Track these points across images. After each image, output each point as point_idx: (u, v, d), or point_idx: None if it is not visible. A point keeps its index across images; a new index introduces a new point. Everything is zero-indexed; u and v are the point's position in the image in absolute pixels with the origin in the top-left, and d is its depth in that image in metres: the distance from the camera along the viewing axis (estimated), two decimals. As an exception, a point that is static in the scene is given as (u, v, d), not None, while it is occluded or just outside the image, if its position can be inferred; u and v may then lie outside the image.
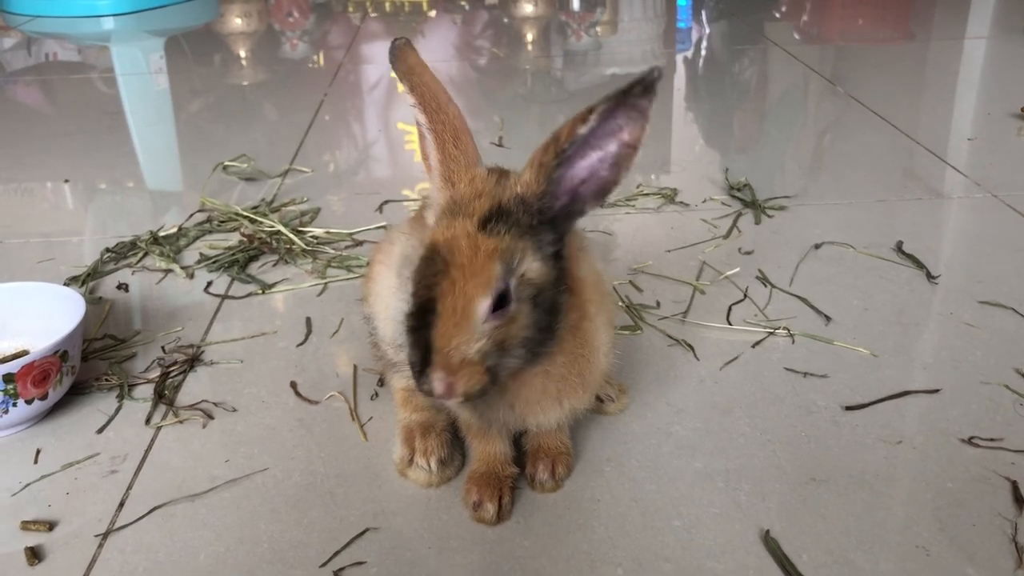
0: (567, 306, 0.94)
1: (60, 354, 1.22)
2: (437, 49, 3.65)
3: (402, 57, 1.03)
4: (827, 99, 2.78)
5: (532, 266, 0.89)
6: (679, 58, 3.45)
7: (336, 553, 1.04)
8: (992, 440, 1.19)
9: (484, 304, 0.86)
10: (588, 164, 0.90)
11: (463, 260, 0.87)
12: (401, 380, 1.21)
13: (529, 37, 3.90)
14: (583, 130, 0.87)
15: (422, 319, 0.87)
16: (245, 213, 1.82)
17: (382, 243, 1.21)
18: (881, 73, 3.03)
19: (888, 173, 2.11)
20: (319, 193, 2.05)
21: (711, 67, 3.33)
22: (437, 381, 0.86)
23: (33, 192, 2.17)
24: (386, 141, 2.56)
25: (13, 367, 1.17)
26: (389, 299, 1.12)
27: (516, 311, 0.88)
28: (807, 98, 2.86)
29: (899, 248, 1.70)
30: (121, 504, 1.12)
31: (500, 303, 0.87)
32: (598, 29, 3.93)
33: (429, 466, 1.14)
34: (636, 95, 0.86)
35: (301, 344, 1.45)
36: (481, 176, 0.94)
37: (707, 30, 3.86)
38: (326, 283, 1.61)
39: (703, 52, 3.55)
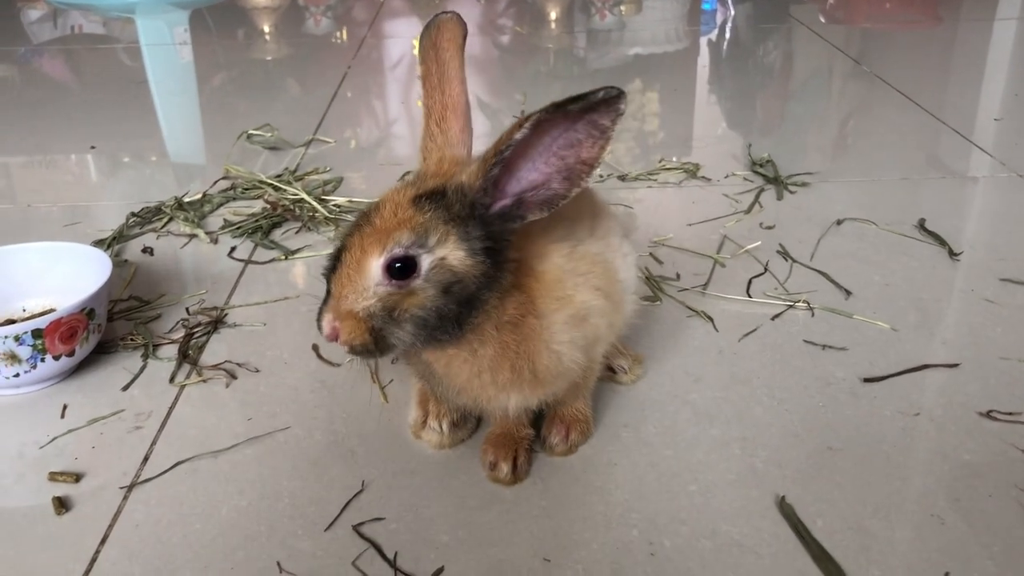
0: (503, 302, 0.95)
1: (87, 312, 1.24)
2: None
3: (436, 30, 1.04)
4: (852, 80, 2.76)
5: (455, 254, 0.90)
6: (703, 39, 3.43)
7: (345, 506, 1.05)
8: (1010, 414, 1.19)
9: (376, 263, 0.89)
10: (539, 172, 0.91)
11: (377, 220, 0.91)
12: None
13: (552, 15, 3.89)
14: (517, 136, 0.87)
15: (332, 265, 0.92)
16: (269, 181, 1.84)
17: None
18: (908, 55, 3.01)
19: (912, 152, 2.10)
20: (341, 163, 2.06)
21: (735, 48, 3.31)
22: (325, 323, 0.92)
23: (59, 160, 2.20)
24: (407, 115, 2.57)
25: (41, 323, 1.19)
26: None
27: (420, 288, 0.90)
28: (832, 79, 2.84)
29: (921, 225, 1.69)
30: (146, 458, 1.14)
31: (401, 272, 0.89)
32: (622, 8, 3.91)
33: (441, 428, 1.16)
34: (599, 112, 0.87)
35: (323, 309, 1.46)
36: (449, 159, 0.98)
37: (732, 11, 3.84)
38: (348, 250, 1.63)
39: (727, 33, 3.53)
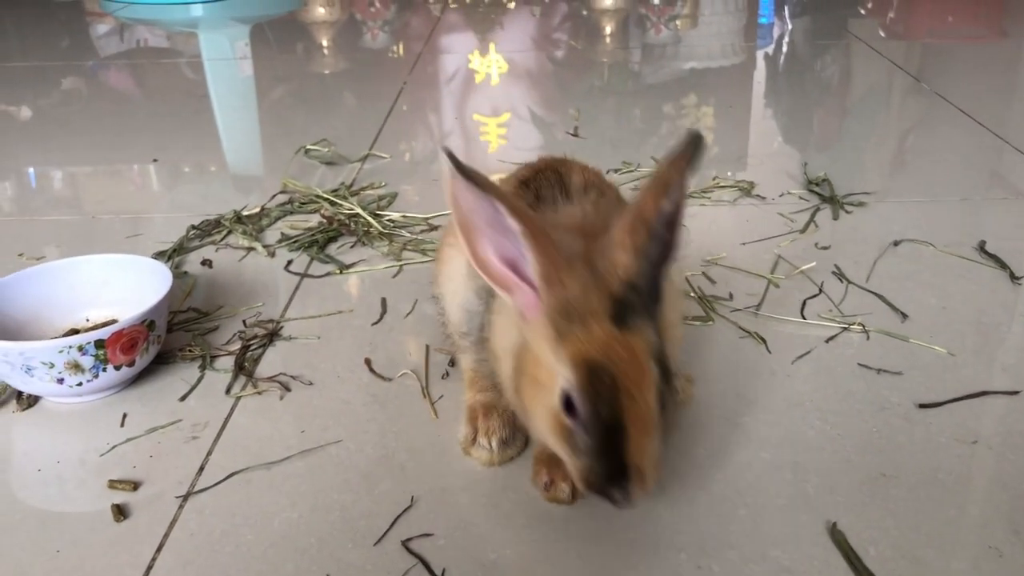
0: None
1: (147, 323, 1.27)
2: (515, 41, 3.67)
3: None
4: (912, 96, 2.72)
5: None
6: (759, 54, 3.41)
7: (395, 521, 1.06)
8: (1073, 444, 1.16)
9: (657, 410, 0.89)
10: None
11: (631, 372, 0.86)
12: (469, 360, 1.23)
13: (608, 30, 3.89)
14: (666, 206, 0.87)
15: (609, 435, 0.87)
16: (325, 195, 1.87)
17: (451, 226, 1.22)
18: (971, 71, 2.95)
19: (973, 171, 2.06)
20: (396, 178, 2.08)
21: (792, 63, 3.28)
22: (639, 495, 0.89)
23: (122, 171, 2.26)
24: (461, 130, 2.59)
25: (103, 334, 1.22)
26: (458, 283, 1.13)
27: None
28: (891, 96, 2.80)
29: (981, 247, 1.66)
30: (201, 468, 1.17)
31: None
32: (678, 23, 3.90)
33: (490, 445, 1.16)
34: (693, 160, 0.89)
35: (376, 323, 1.48)
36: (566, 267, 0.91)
37: (789, 26, 3.81)
38: (401, 265, 1.65)
39: (784, 48, 3.50)
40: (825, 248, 1.69)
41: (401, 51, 3.60)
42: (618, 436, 0.87)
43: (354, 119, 2.62)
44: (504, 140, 2.44)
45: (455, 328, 1.17)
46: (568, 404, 0.88)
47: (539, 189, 1.11)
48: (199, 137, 2.48)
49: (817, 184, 1.96)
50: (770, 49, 3.49)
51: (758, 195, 1.94)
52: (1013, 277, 1.56)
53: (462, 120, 2.68)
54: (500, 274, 0.92)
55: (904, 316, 1.45)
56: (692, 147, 0.90)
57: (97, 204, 2.02)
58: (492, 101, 2.82)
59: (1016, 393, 1.26)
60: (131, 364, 1.28)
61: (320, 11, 4.27)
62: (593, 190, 1.14)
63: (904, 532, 1.04)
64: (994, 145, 2.22)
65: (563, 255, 0.89)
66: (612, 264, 0.89)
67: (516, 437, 1.19)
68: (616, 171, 2.09)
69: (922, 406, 1.24)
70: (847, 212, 1.84)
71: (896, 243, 1.70)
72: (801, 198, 1.92)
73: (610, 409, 0.86)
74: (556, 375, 0.89)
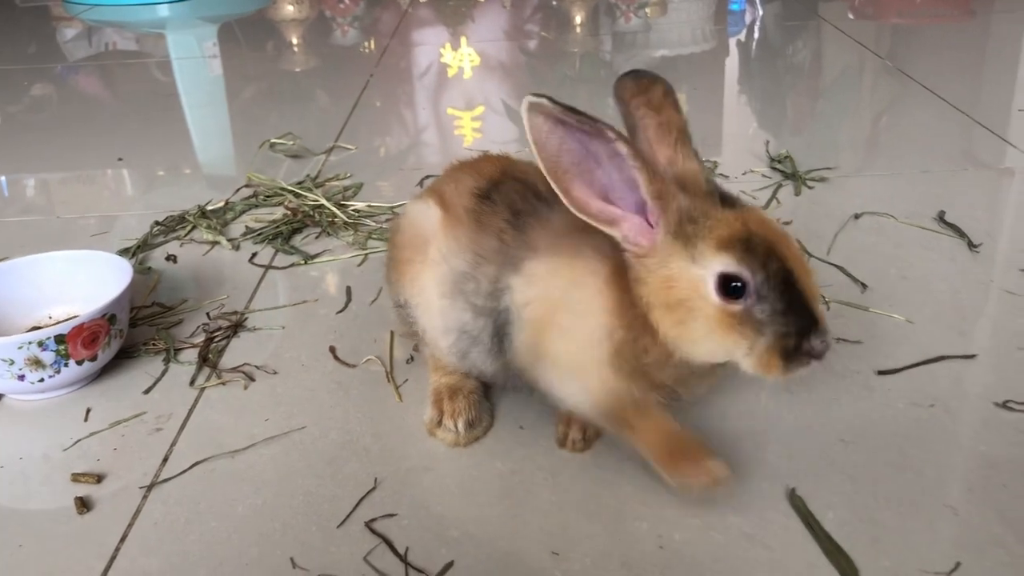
0: None
1: (108, 317, 1.27)
2: (487, 33, 3.67)
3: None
4: (878, 76, 2.74)
5: None
6: (731, 40, 3.42)
7: (359, 503, 1.07)
8: (1028, 404, 1.18)
9: None
10: None
11: (771, 231, 0.91)
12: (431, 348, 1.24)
13: (578, 19, 3.89)
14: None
15: (789, 288, 0.89)
16: (289, 188, 1.87)
17: (407, 239, 1.18)
18: (938, 50, 2.98)
19: (935, 145, 2.07)
20: (362, 169, 2.08)
21: (764, 48, 3.29)
22: (829, 338, 0.90)
23: (89, 172, 2.25)
24: (428, 120, 2.59)
25: (63, 329, 1.22)
26: (436, 306, 1.12)
27: None
28: (860, 76, 2.82)
29: (941, 218, 1.68)
30: (165, 459, 1.17)
31: None
32: (647, 10, 3.90)
33: (456, 427, 1.17)
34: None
35: (341, 311, 1.49)
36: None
37: (760, 11, 3.82)
38: (366, 254, 1.65)
39: (756, 33, 3.52)
40: (787, 223, 1.70)
41: (372, 47, 3.59)
42: (794, 287, 0.88)
43: (323, 114, 2.61)
44: (479, 133, 2.44)
45: (438, 350, 1.17)
46: (730, 288, 0.89)
47: (512, 203, 1.07)
48: (167, 136, 2.47)
49: (780, 161, 1.97)
50: (742, 34, 3.50)
51: (721, 174, 1.96)
52: (971, 245, 1.58)
53: (429, 109, 2.68)
54: (601, 210, 0.93)
55: (864, 287, 1.47)
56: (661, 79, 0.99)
57: (62, 204, 2.02)
58: (465, 94, 2.82)
59: (972, 357, 1.28)
60: (93, 359, 1.28)
61: (289, 9, 4.26)
62: None
63: (862, 496, 1.05)
64: (956, 119, 2.24)
65: (660, 171, 0.92)
66: (688, 172, 0.95)
67: (482, 418, 1.19)
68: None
69: (881, 373, 1.26)
70: (809, 188, 1.86)
71: (857, 216, 1.71)
72: (764, 175, 1.93)
73: (778, 264, 0.88)
74: (701, 278, 0.90)
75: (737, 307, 0.89)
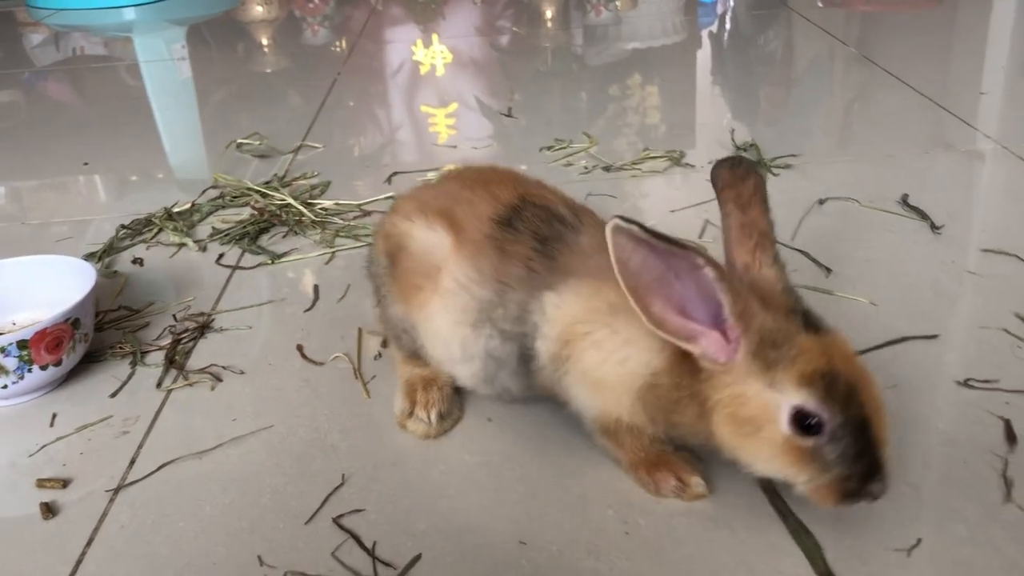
0: None
1: (71, 321, 1.26)
2: (458, 30, 3.66)
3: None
4: (844, 62, 2.75)
5: None
6: (704, 31, 3.43)
7: (326, 500, 1.07)
8: (987, 382, 1.19)
9: None
10: None
11: (854, 368, 0.89)
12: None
13: (548, 14, 3.89)
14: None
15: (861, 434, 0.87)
16: (256, 187, 1.86)
17: (421, 264, 1.13)
18: (903, 37, 3.00)
19: (898, 129, 2.10)
20: (330, 167, 2.08)
21: (736, 38, 3.30)
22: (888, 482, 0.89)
23: (57, 178, 2.23)
24: (397, 117, 2.59)
25: (26, 334, 1.21)
26: (454, 335, 1.11)
27: None
28: (831, 64, 2.84)
29: (904, 201, 1.69)
30: (132, 462, 1.16)
31: None
32: (618, 3, 3.91)
33: (429, 418, 1.17)
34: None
35: (308, 310, 1.49)
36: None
37: (731, 2, 3.83)
38: (334, 252, 1.65)
39: (728, 24, 3.53)
40: (752, 210, 1.71)
41: (344, 46, 3.58)
42: (867, 432, 0.87)
43: (290, 113, 2.61)
44: (454, 130, 2.44)
45: (436, 359, 1.17)
46: (804, 424, 0.87)
47: (536, 230, 1.06)
48: (136, 141, 2.45)
49: (745, 149, 1.98)
50: (714, 25, 3.51)
51: (687, 163, 1.97)
52: (933, 227, 1.59)
53: (408, 110, 2.67)
54: (680, 327, 0.90)
55: (828, 271, 1.48)
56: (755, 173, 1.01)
57: (28, 210, 2.00)
58: (438, 92, 2.81)
59: (935, 337, 1.30)
60: (58, 364, 1.27)
61: (258, 10, 4.24)
62: (582, 212, 1.12)
63: (826, 476, 1.06)
64: (920, 104, 2.26)
65: (744, 290, 0.90)
66: (766, 282, 0.94)
67: (452, 411, 1.20)
68: (549, 148, 2.11)
69: (844, 355, 1.26)
70: (774, 175, 1.87)
71: (822, 201, 1.73)
72: (730, 164, 1.94)
73: (858, 409, 0.87)
74: (777, 405, 0.88)
75: (808, 442, 0.88)
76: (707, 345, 0.91)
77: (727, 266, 0.96)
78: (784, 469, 0.91)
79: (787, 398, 0.88)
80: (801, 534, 0.99)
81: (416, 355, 1.21)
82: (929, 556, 0.94)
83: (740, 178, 1.00)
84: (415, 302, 1.14)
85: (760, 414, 0.89)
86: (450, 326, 1.10)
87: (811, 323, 0.91)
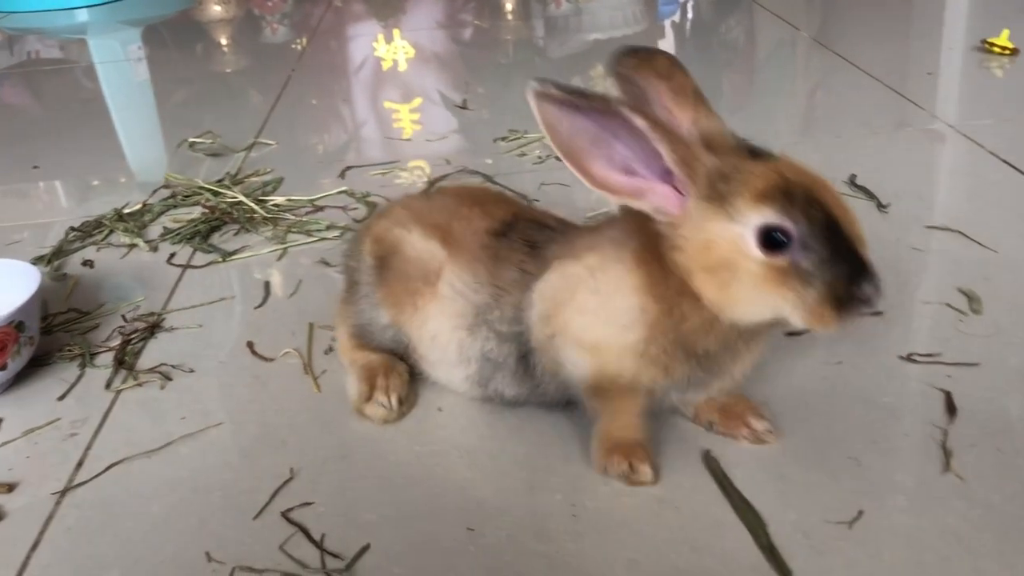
0: None
1: (15, 325, 1.25)
2: (420, 25, 3.65)
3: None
4: (790, 46, 2.77)
5: None
6: (666, 21, 3.43)
7: (275, 494, 1.07)
8: (930, 355, 1.21)
9: None
10: None
11: (808, 178, 0.89)
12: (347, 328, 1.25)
13: (508, 7, 3.89)
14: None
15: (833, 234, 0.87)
16: (206, 186, 1.85)
17: (418, 269, 1.15)
18: (859, 18, 3.02)
19: (846, 110, 2.12)
20: (283, 164, 2.07)
21: (698, 27, 3.32)
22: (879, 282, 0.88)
23: (8, 183, 2.20)
24: (353, 113, 2.58)
25: (-31, 339, 1.20)
26: (451, 339, 1.13)
27: None
28: (779, 49, 2.85)
29: (852, 181, 1.71)
30: (79, 464, 1.15)
31: None
32: (578, -7, 3.90)
33: (390, 403, 1.17)
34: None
35: (259, 306, 1.48)
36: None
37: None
38: (285, 248, 1.64)
39: (690, 13, 3.53)
40: (703, 194, 1.72)
41: (305, 43, 3.56)
42: (839, 233, 0.87)
43: (246, 111, 2.59)
44: (419, 125, 2.43)
45: (450, 382, 1.19)
46: (773, 241, 0.87)
47: (528, 237, 1.09)
48: (92, 143, 2.42)
49: (696, 134, 1.99)
50: (676, 15, 3.52)
51: (640, 150, 1.97)
52: (880, 206, 1.61)
53: (370, 106, 2.66)
54: (625, 184, 0.91)
55: (776, 252, 1.49)
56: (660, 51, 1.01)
57: (-23, 217, 1.98)
58: (401, 87, 2.80)
59: (880, 313, 1.31)
60: (2, 368, 1.26)
61: (215, 9, 4.20)
62: (569, 223, 1.15)
63: (772, 453, 1.08)
64: (870, 85, 2.28)
65: (681, 136, 0.91)
66: (710, 129, 0.95)
67: (410, 396, 1.20)
68: (503, 139, 2.11)
69: (790, 334, 1.28)
70: (724, 158, 1.88)
71: (771, 183, 1.74)
72: (682, 149, 1.95)
73: (821, 210, 0.86)
74: (741, 235, 0.88)
75: (782, 260, 0.87)
76: (657, 200, 0.91)
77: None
78: (772, 300, 0.89)
79: (748, 220, 0.88)
80: (744, 510, 1.00)
81: (371, 344, 1.23)
82: (870, 528, 0.96)
83: (649, 57, 1.00)
84: (411, 305, 1.15)
85: (730, 251, 0.89)
86: (448, 330, 1.13)
87: (758, 153, 0.92)
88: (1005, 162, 1.75)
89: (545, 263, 1.06)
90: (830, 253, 0.86)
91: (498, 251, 1.09)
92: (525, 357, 1.09)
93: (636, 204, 0.92)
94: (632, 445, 1.06)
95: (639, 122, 0.87)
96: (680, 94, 0.98)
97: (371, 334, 1.22)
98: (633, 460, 1.04)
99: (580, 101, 0.87)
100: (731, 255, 0.89)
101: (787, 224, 0.86)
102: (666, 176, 0.90)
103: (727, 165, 0.90)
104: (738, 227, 0.88)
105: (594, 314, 1.00)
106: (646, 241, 0.96)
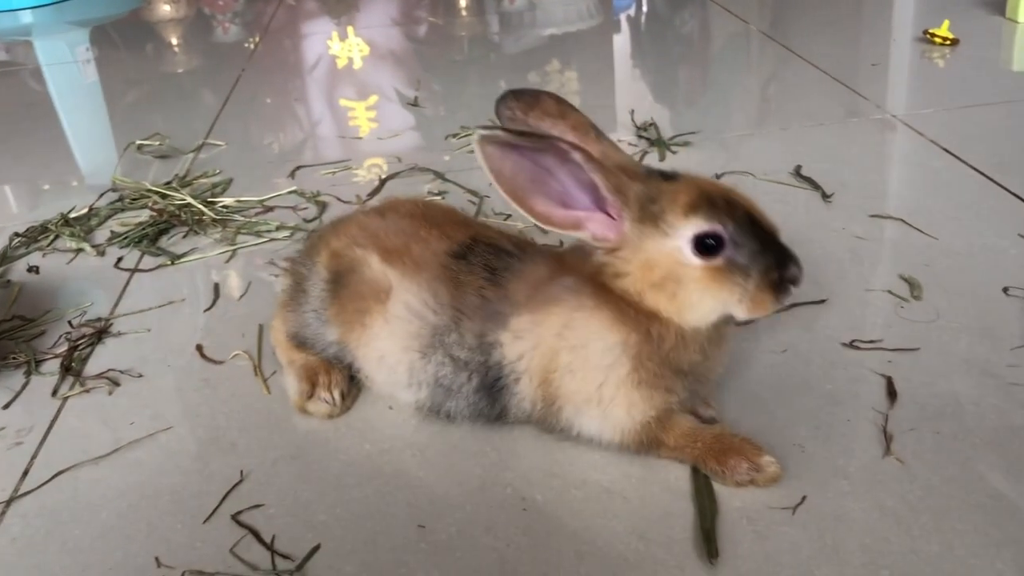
0: None
1: (-43, 333, 1.23)
2: (374, 22, 3.63)
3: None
4: (738, 38, 2.80)
5: None
6: (622, 15, 3.44)
7: (225, 497, 1.07)
8: (871, 342, 1.24)
9: None
10: None
11: (720, 188, 0.98)
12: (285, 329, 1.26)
13: (463, 2, 3.88)
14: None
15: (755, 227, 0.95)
16: (154, 188, 1.83)
17: (371, 288, 1.14)
18: (806, 11, 3.06)
19: (793, 103, 2.15)
20: (232, 165, 2.05)
21: (653, 21, 3.33)
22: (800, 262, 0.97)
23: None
24: (305, 111, 2.56)
25: (-92, 349, 1.18)
26: (401, 360, 1.12)
27: None
28: (724, 41, 2.88)
29: (797, 172, 1.74)
30: (25, 473, 1.14)
31: None
32: (531, -12, 3.90)
33: (333, 398, 1.17)
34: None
35: (208, 309, 1.47)
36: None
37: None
38: (234, 249, 1.63)
39: (644, 6, 3.55)
40: (652, 188, 1.74)
41: (257, 42, 3.52)
42: (760, 226, 0.96)
43: (196, 111, 2.56)
44: (375, 123, 2.42)
45: (400, 400, 1.17)
46: (707, 246, 0.94)
47: (487, 262, 1.10)
48: (41, 147, 2.38)
49: (645, 129, 2.01)
50: (631, 9, 3.53)
51: (591, 145, 1.98)
52: (824, 196, 1.64)
53: (325, 104, 2.64)
54: (565, 218, 0.96)
55: (724, 243, 1.51)
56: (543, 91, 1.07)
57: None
58: (357, 85, 2.79)
59: (823, 301, 1.34)
60: (-55, 377, 1.24)
61: (165, 8, 4.15)
62: (525, 245, 1.16)
63: (718, 442, 1.09)
64: (815, 76, 2.31)
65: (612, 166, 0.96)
66: (621, 160, 1.02)
67: (351, 391, 1.21)
68: (455, 136, 2.11)
69: (737, 323, 1.29)
70: (673, 153, 1.90)
71: (718, 176, 1.76)
72: (630, 144, 1.97)
73: (741, 209, 0.95)
74: (678, 248, 0.95)
75: (719, 261, 0.95)
76: (595, 228, 0.97)
77: None
78: (719, 297, 0.96)
79: (682, 233, 0.95)
80: (704, 493, 1.01)
81: (308, 346, 1.22)
82: (813, 512, 0.98)
83: (535, 100, 1.06)
84: (359, 323, 1.15)
85: (671, 264, 0.96)
86: (397, 351, 1.12)
87: (668, 176, 1.00)
88: (946, 151, 1.79)
89: (506, 297, 1.06)
90: (758, 245, 0.95)
91: (458, 274, 1.10)
92: (489, 391, 1.09)
93: (576, 235, 0.98)
94: (735, 444, 1.04)
95: (576, 155, 0.92)
96: (580, 130, 1.04)
97: (314, 346, 1.22)
98: (751, 456, 1.03)
99: (524, 142, 0.92)
100: (673, 267, 0.96)
101: (717, 228, 0.94)
102: (599, 205, 0.97)
103: (651, 188, 0.97)
104: (674, 241, 0.95)
105: (582, 368, 1.03)
106: (597, 281, 1.01)
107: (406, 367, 1.12)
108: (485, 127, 0.91)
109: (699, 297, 0.96)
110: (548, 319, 1.04)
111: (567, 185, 0.96)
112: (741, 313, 0.97)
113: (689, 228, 0.94)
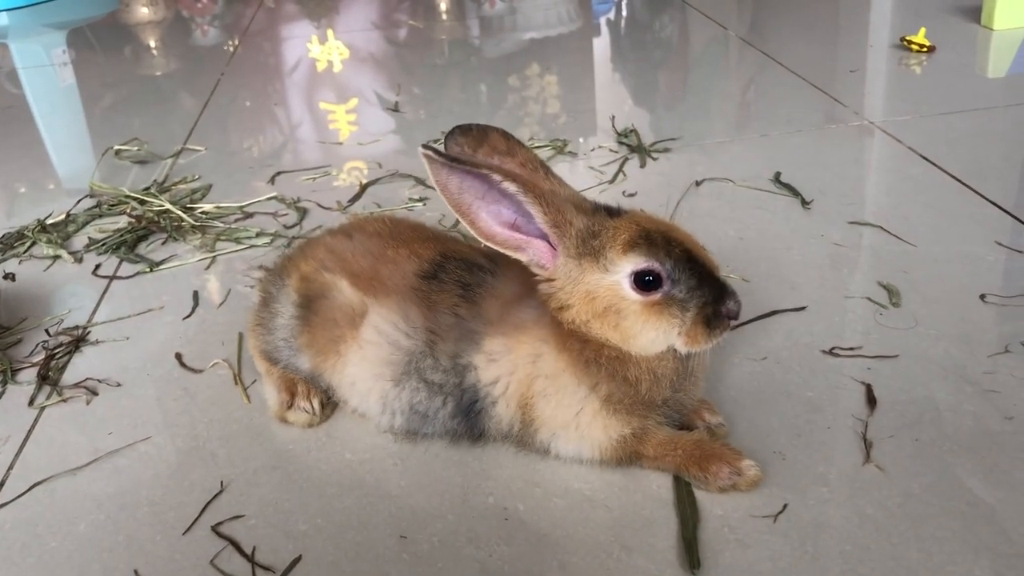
0: None
1: (-68, 342, 1.22)
2: (354, 25, 3.63)
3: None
4: (717, 43, 2.81)
5: None
6: (601, 19, 3.45)
7: (205, 508, 1.06)
8: (851, 349, 1.24)
9: None
10: None
11: (660, 224, 1.01)
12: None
13: (443, 6, 3.88)
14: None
15: (697, 266, 0.98)
16: (133, 194, 1.82)
17: (344, 314, 1.13)
18: (787, 19, 3.08)
19: (773, 110, 2.16)
20: (212, 170, 2.04)
21: (632, 25, 3.34)
22: (738, 297, 0.99)
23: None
24: (286, 116, 2.55)
25: None
26: (373, 388, 1.12)
27: None
28: (705, 46, 2.89)
29: (776, 179, 1.75)
30: (1, 484, 1.13)
31: None
32: (510, -8, 3.91)
33: (312, 407, 1.17)
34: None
35: (187, 317, 1.46)
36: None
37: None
38: (214, 256, 1.62)
39: (624, 11, 3.56)
40: (632, 195, 1.75)
41: (236, 45, 3.51)
42: (698, 263, 0.98)
43: (175, 115, 2.54)
44: (355, 127, 2.41)
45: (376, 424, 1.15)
46: (645, 282, 0.97)
47: (460, 279, 1.09)
48: (18, 151, 2.36)
49: (625, 136, 2.02)
50: (610, 13, 3.54)
51: (571, 152, 1.99)
52: (803, 203, 1.65)
53: (305, 107, 2.63)
54: (507, 238, 0.99)
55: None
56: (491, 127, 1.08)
57: None
58: (337, 88, 2.78)
59: (803, 309, 1.34)
60: (-81, 387, 1.22)
61: (143, 11, 4.13)
62: (498, 257, 1.12)
63: (699, 450, 1.09)
64: (795, 84, 2.33)
65: (554, 200, 0.98)
66: (569, 195, 1.03)
67: (330, 401, 1.20)
68: (436, 141, 2.11)
69: (685, 355, 1.29)
70: (653, 159, 1.91)
71: (698, 183, 1.77)
72: (611, 151, 1.97)
73: (680, 246, 0.97)
74: (618, 283, 0.98)
75: (657, 295, 0.97)
76: (534, 253, 1.00)
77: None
78: (659, 330, 0.98)
79: (621, 269, 0.98)
80: (685, 501, 1.01)
81: (281, 367, 1.22)
82: (794, 520, 0.98)
83: (483, 136, 1.07)
84: (332, 353, 1.14)
85: (611, 298, 0.98)
86: (368, 378, 1.11)
87: (614, 212, 1.02)
88: (923, 157, 1.80)
89: (479, 315, 1.06)
90: (696, 281, 0.97)
91: (430, 294, 1.09)
92: (467, 414, 1.08)
93: (517, 256, 1.00)
94: (715, 450, 1.05)
95: (510, 187, 0.95)
96: (529, 166, 1.05)
97: (286, 368, 1.21)
98: (732, 461, 1.03)
99: (458, 166, 0.95)
100: (613, 300, 0.99)
101: (655, 265, 0.97)
102: (543, 234, 1.00)
103: (595, 223, 1.00)
104: (614, 276, 0.98)
105: (556, 395, 1.04)
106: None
107: (378, 395, 1.11)
108: (426, 145, 0.94)
109: (640, 330, 0.99)
110: (519, 347, 1.05)
111: (511, 210, 0.99)
112: (679, 346, 1.00)
113: (628, 264, 0.97)
